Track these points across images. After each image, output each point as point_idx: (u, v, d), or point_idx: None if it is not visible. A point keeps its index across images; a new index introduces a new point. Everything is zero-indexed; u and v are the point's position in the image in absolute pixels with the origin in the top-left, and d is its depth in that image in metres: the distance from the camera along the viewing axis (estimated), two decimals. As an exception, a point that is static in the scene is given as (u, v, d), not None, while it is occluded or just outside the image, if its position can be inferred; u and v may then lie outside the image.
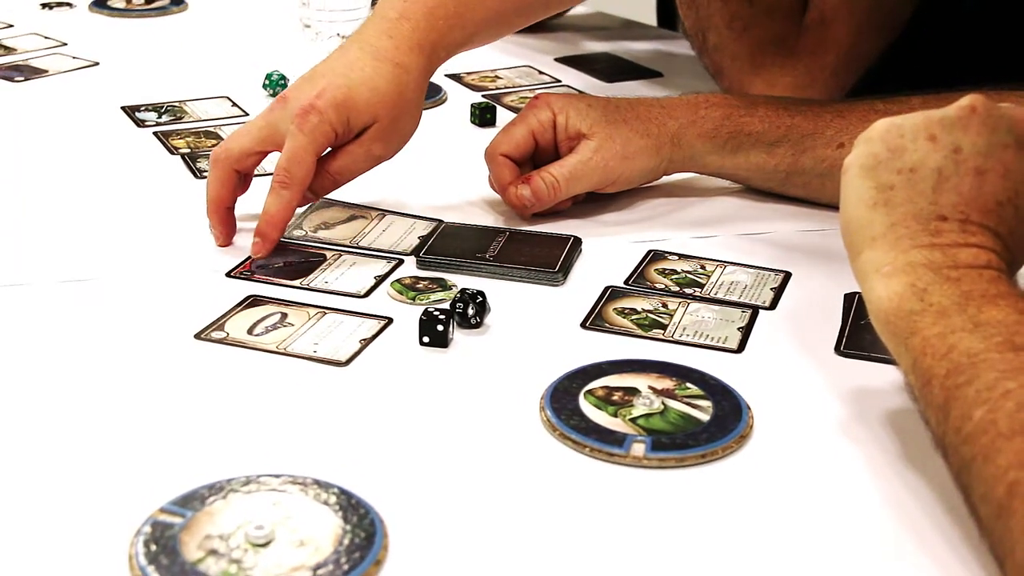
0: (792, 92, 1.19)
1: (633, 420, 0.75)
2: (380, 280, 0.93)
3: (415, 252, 0.97)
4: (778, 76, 1.21)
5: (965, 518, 0.64)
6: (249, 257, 0.96)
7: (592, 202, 1.06)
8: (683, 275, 0.95)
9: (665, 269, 0.96)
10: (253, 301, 0.89)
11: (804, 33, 1.23)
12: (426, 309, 0.84)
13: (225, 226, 0.99)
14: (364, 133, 0.99)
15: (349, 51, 1.00)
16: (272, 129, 0.98)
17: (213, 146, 1.18)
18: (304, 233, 1.01)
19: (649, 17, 1.84)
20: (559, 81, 1.44)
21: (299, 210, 1.03)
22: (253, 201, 1.00)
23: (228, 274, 0.94)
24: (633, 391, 0.78)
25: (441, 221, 1.03)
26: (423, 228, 1.02)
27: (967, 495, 0.62)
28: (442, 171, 1.13)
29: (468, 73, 1.44)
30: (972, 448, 0.61)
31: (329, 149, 0.99)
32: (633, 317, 0.89)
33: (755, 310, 0.90)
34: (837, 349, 0.85)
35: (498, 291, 0.90)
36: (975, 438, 0.61)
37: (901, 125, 0.73)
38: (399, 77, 0.99)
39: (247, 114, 1.29)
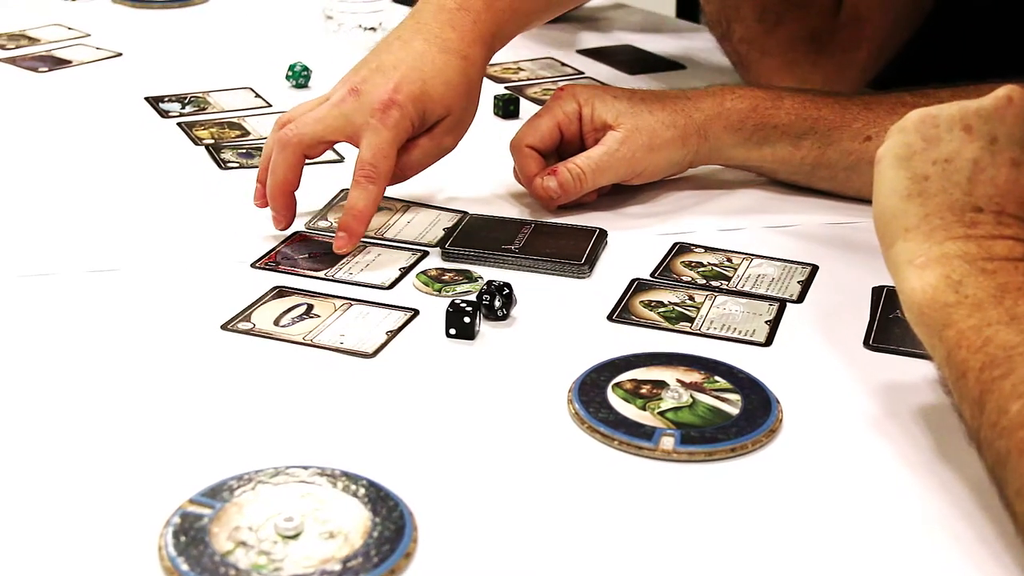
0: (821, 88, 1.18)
1: (662, 413, 0.74)
2: (405, 272, 0.93)
3: (440, 244, 0.97)
4: (809, 73, 1.19)
5: (1000, 514, 0.64)
6: (274, 248, 0.96)
7: (617, 194, 1.06)
8: (709, 268, 0.94)
9: (691, 262, 0.95)
10: (279, 292, 0.89)
11: (838, 31, 1.22)
12: (452, 301, 0.84)
13: (288, 210, 0.98)
14: (436, 126, 1.00)
15: (413, 43, 1.00)
16: (345, 120, 0.97)
17: (237, 137, 1.19)
18: (329, 224, 1.00)
19: (668, 9, 1.83)
20: (582, 73, 1.43)
21: (316, 201, 1.04)
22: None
23: (253, 265, 0.94)
24: (661, 384, 0.77)
25: (466, 213, 1.03)
26: (448, 220, 1.02)
27: (1002, 490, 0.62)
28: (466, 163, 1.13)
29: (491, 65, 1.42)
30: (1008, 442, 0.61)
31: None
32: (660, 310, 0.88)
33: (782, 303, 0.89)
34: (866, 343, 0.84)
35: (524, 283, 0.90)
36: (1011, 432, 0.60)
37: (936, 115, 0.73)
38: (466, 70, 1.00)
39: (270, 105, 1.29)
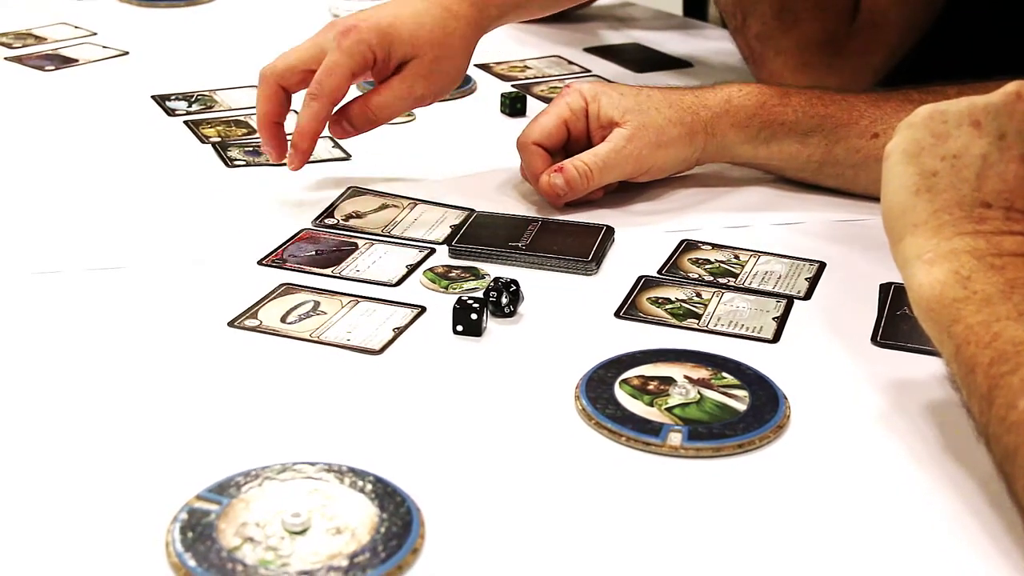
0: None
1: (669, 409, 0.74)
2: (412, 269, 0.93)
3: (447, 241, 0.97)
4: (824, 76, 1.18)
5: (1008, 509, 0.64)
6: (281, 246, 0.96)
7: (624, 192, 1.06)
8: (717, 265, 0.94)
9: (699, 259, 0.95)
10: (286, 289, 0.89)
11: (855, 35, 1.21)
12: (460, 298, 0.84)
13: (277, 140, 1.03)
14: (404, 68, 1.02)
15: None
16: (317, 49, 1.01)
17: (244, 135, 1.19)
18: (336, 222, 1.00)
19: (675, 7, 1.83)
20: (589, 71, 1.43)
21: (323, 199, 1.04)
22: (267, 194, 0.99)
23: (260, 262, 0.94)
24: (669, 380, 0.77)
25: (472, 210, 1.03)
26: (454, 217, 1.02)
27: (1010, 485, 0.62)
28: (472, 160, 1.13)
29: (497, 63, 1.43)
30: (1017, 437, 0.61)
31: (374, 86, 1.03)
32: (667, 307, 0.88)
33: (790, 300, 0.89)
34: (874, 339, 0.84)
35: (531, 280, 0.90)
36: (1020, 427, 0.60)
37: (945, 111, 0.72)
38: (446, 20, 1.02)
39: (277, 103, 1.29)
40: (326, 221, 1.00)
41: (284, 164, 1.04)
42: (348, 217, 1.01)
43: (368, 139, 1.07)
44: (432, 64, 1.02)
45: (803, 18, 1.21)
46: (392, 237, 0.98)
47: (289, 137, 1.03)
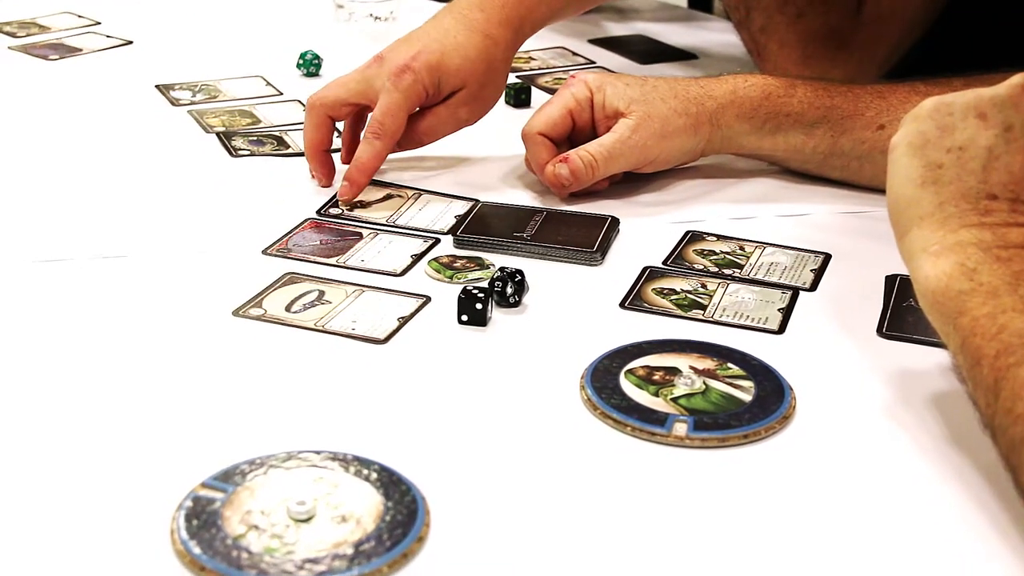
0: None
1: (675, 400, 0.74)
2: (417, 259, 0.93)
3: (452, 231, 0.97)
4: (828, 69, 1.17)
5: (1014, 501, 0.64)
6: (286, 235, 0.96)
7: (629, 183, 1.06)
8: (722, 256, 0.94)
9: (704, 250, 0.95)
10: (290, 278, 0.89)
11: (860, 28, 1.21)
12: (465, 287, 0.84)
13: (326, 167, 1.06)
14: (451, 97, 1.06)
15: (443, 21, 1.08)
16: (366, 84, 1.05)
17: (248, 125, 1.19)
18: (340, 211, 1.00)
19: (680, -1, 1.83)
20: (593, 62, 1.43)
21: (327, 189, 1.04)
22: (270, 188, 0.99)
23: (264, 251, 0.94)
24: (674, 371, 0.77)
25: (477, 201, 1.03)
26: (459, 208, 1.02)
27: (1016, 476, 0.62)
28: (477, 151, 1.13)
29: (502, 54, 1.42)
30: (1022, 429, 0.60)
31: (418, 109, 1.06)
32: (672, 297, 0.88)
33: (795, 291, 0.89)
34: (879, 331, 0.84)
35: (536, 271, 0.89)
36: (1026, 419, 0.60)
37: (950, 103, 0.72)
38: (488, 49, 1.06)
39: (280, 93, 1.29)
40: (330, 211, 1.00)
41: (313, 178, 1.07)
42: (353, 207, 1.01)
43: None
44: (477, 92, 1.07)
45: (807, 12, 1.21)
46: (396, 227, 0.98)
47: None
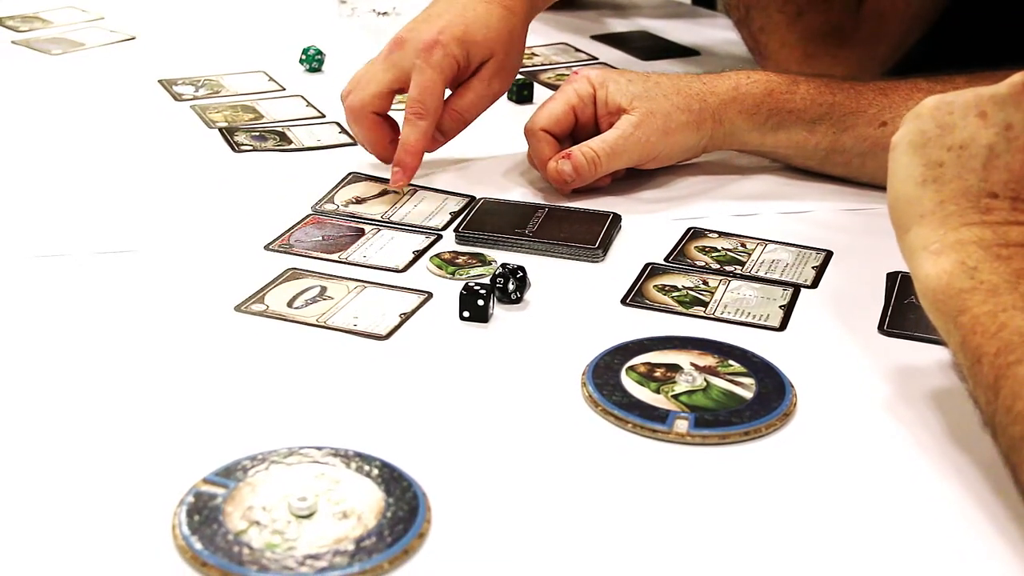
0: None
1: (676, 397, 0.74)
2: (419, 255, 0.93)
3: (446, 227, 0.97)
4: (829, 67, 1.17)
5: (1014, 499, 0.64)
6: (288, 231, 0.96)
7: (631, 179, 1.06)
8: (724, 253, 0.94)
9: (705, 247, 0.95)
10: (292, 274, 0.89)
11: (861, 26, 1.21)
12: (466, 284, 0.84)
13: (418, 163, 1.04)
14: (482, 69, 1.05)
15: None
16: (397, 69, 1.03)
17: (251, 120, 1.19)
18: (335, 207, 1.00)
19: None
20: (596, 58, 1.43)
21: (330, 184, 1.05)
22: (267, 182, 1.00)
23: (267, 247, 0.94)
24: (675, 368, 0.77)
25: (472, 197, 1.03)
26: (455, 204, 1.02)
27: (1016, 474, 0.62)
28: (480, 147, 1.13)
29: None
30: (1022, 427, 0.60)
31: (449, 93, 1.06)
32: (674, 294, 0.88)
33: (797, 288, 0.89)
34: (880, 328, 0.84)
35: (537, 267, 0.90)
36: (1026, 417, 0.60)
37: (951, 102, 0.72)
38: (508, 18, 1.06)
39: (283, 88, 1.29)
40: (326, 207, 1.00)
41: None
42: (348, 203, 1.01)
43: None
44: (504, 61, 1.06)
45: (807, 10, 1.21)
46: (391, 223, 0.98)
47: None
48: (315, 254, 0.92)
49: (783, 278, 0.91)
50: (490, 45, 1.05)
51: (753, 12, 1.24)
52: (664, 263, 0.93)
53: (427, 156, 1.08)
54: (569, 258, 0.94)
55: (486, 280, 0.87)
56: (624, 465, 0.70)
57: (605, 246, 0.94)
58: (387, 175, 1.05)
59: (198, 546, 0.61)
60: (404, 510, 0.64)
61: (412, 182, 1.04)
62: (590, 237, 0.95)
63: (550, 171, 1.02)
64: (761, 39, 1.24)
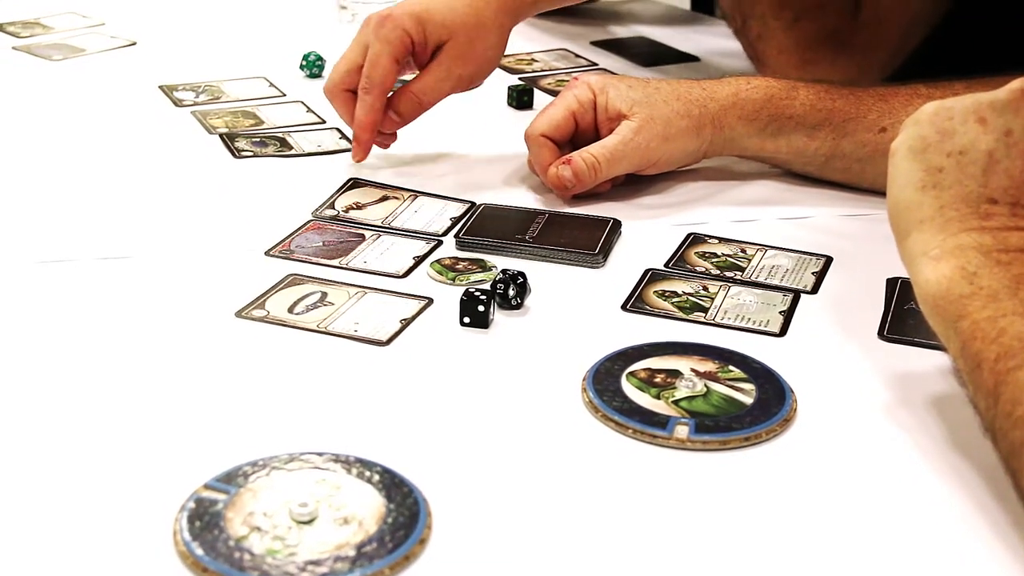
0: None
1: (676, 402, 0.74)
2: (419, 260, 0.93)
3: (446, 233, 0.97)
4: (828, 73, 1.18)
5: (1014, 504, 0.64)
6: (288, 236, 0.96)
7: (631, 185, 1.06)
8: (724, 258, 0.94)
9: (705, 252, 0.95)
10: (293, 280, 0.89)
11: (859, 31, 1.21)
12: (467, 290, 0.84)
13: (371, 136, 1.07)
14: (440, 53, 1.06)
15: None
16: (359, 46, 1.06)
17: (251, 126, 1.19)
18: (336, 213, 1.01)
19: (683, 1, 1.83)
20: (596, 65, 1.43)
21: (330, 190, 1.04)
22: (268, 187, 1.00)
23: (267, 253, 0.94)
24: (675, 373, 0.77)
25: (472, 203, 1.03)
26: (455, 209, 1.02)
27: (1016, 480, 0.62)
28: (480, 153, 1.13)
29: (504, 56, 1.42)
30: (1023, 433, 0.61)
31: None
32: (674, 300, 0.88)
33: (797, 294, 0.89)
34: (880, 334, 0.84)
35: (538, 273, 0.90)
36: (1026, 423, 0.60)
37: (950, 107, 0.72)
38: (476, 4, 1.07)
39: (284, 94, 1.30)
40: (326, 212, 1.01)
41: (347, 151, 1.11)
42: (348, 209, 1.01)
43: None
44: (466, 46, 1.06)
45: (803, 17, 1.21)
46: (391, 229, 0.98)
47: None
48: (316, 260, 0.93)
49: (783, 284, 0.91)
50: (450, 27, 1.05)
51: (750, 21, 1.24)
52: (664, 269, 0.93)
53: (426, 162, 1.09)
54: (569, 264, 0.94)
55: (486, 286, 0.87)
56: (624, 471, 0.70)
57: (605, 252, 0.95)
58: (387, 180, 1.06)
59: (199, 552, 0.61)
60: (405, 516, 0.64)
61: (413, 188, 1.05)
62: (590, 243, 0.95)
63: (550, 177, 1.02)
64: (759, 47, 1.24)
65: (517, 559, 0.63)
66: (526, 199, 1.05)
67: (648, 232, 0.99)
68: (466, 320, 0.84)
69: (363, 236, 0.96)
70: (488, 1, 1.07)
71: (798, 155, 1.06)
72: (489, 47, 1.08)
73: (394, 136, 1.10)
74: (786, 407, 0.74)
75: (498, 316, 0.85)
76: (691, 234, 0.98)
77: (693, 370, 0.78)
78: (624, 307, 0.87)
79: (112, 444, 0.71)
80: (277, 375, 0.78)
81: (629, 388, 0.76)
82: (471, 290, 0.84)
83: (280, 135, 1.18)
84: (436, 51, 1.06)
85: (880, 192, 0.78)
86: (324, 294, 0.87)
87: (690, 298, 0.88)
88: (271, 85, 1.32)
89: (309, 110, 1.25)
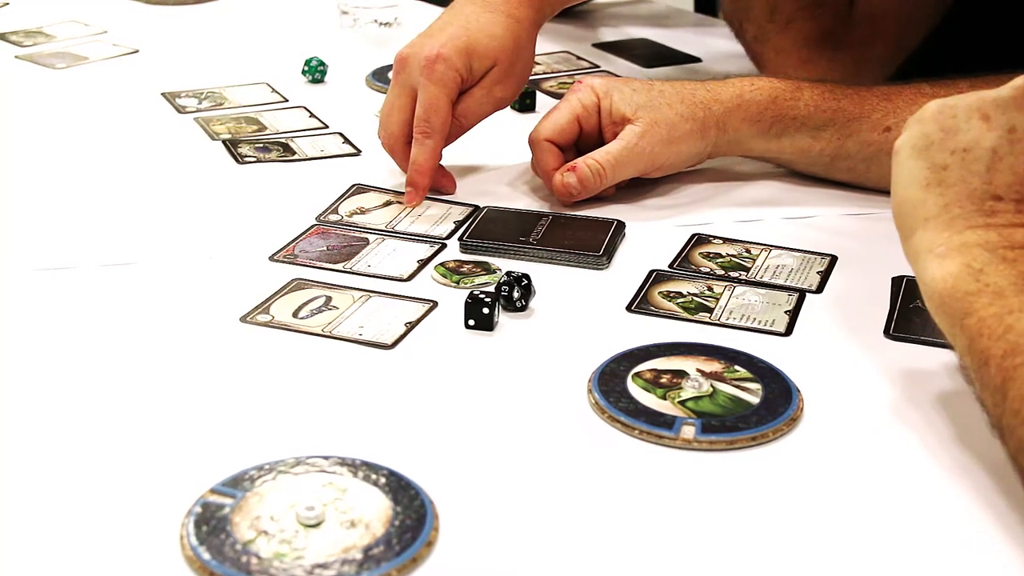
0: None
1: (682, 403, 0.74)
2: (423, 264, 0.93)
3: (450, 236, 0.97)
4: (827, 71, 1.17)
5: (1022, 501, 0.64)
6: (292, 241, 0.96)
7: (635, 186, 1.06)
8: (728, 259, 0.94)
9: (710, 253, 0.95)
10: (297, 284, 0.89)
11: (853, 28, 1.21)
12: (472, 292, 0.84)
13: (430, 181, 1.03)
14: (484, 77, 1.05)
15: (463, 8, 1.07)
16: (404, 88, 1.04)
17: (254, 132, 1.19)
18: (340, 218, 1.00)
19: (686, 3, 1.83)
20: (598, 67, 1.43)
21: (334, 195, 1.05)
22: (274, 188, 1.00)
23: (271, 258, 0.94)
24: (681, 374, 0.77)
25: (477, 206, 1.03)
26: (459, 213, 1.02)
27: (1024, 477, 0.62)
28: (483, 156, 1.13)
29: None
30: (1030, 430, 0.61)
31: None
32: (679, 300, 0.88)
33: (802, 293, 0.89)
34: (886, 332, 0.84)
35: (542, 275, 0.90)
36: (1034, 419, 0.60)
37: (954, 106, 0.72)
38: (512, 26, 1.06)
39: (286, 100, 1.30)
40: (329, 217, 1.01)
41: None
42: (352, 213, 1.01)
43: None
44: (508, 69, 1.06)
45: (796, 17, 1.21)
46: (395, 233, 0.98)
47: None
48: (320, 264, 0.93)
49: (788, 283, 0.91)
50: (494, 55, 1.04)
51: (745, 24, 1.25)
52: (669, 269, 0.93)
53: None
54: (574, 265, 0.94)
55: (491, 288, 0.87)
56: (631, 471, 0.70)
57: (609, 253, 0.94)
58: (391, 185, 1.06)
59: (206, 556, 0.61)
60: (412, 519, 0.64)
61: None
62: (594, 244, 0.95)
63: (556, 185, 1.02)
64: (756, 48, 1.25)
65: (524, 561, 0.63)
66: (530, 201, 1.05)
67: (652, 233, 0.99)
68: (471, 323, 0.84)
69: (367, 240, 0.96)
70: (520, 20, 1.07)
71: (803, 155, 1.05)
72: (525, 66, 1.09)
73: (452, 181, 1.07)
74: (792, 406, 0.74)
75: (503, 318, 0.85)
76: (695, 235, 0.98)
77: (699, 370, 0.78)
78: (629, 308, 0.87)
79: (119, 449, 0.71)
80: (282, 379, 0.78)
81: (635, 389, 0.76)
82: (476, 293, 0.84)
83: (283, 140, 1.18)
84: (481, 77, 1.06)
85: (885, 191, 0.78)
86: (329, 298, 0.87)
87: (695, 299, 0.88)
88: (273, 91, 1.32)
89: (312, 115, 1.25)
